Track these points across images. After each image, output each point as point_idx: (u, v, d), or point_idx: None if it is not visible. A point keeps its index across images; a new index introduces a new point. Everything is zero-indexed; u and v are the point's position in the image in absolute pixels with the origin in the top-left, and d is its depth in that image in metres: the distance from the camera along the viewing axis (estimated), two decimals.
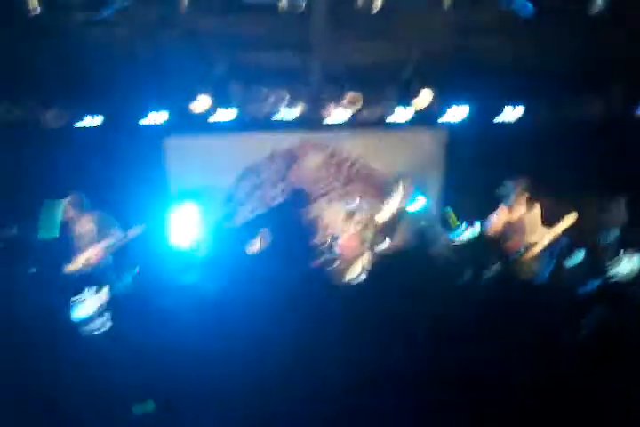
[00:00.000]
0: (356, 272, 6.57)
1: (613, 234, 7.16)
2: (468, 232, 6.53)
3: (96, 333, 3.59)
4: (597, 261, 7.06)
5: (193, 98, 7.71)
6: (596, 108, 8.04)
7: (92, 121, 7.98)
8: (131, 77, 7.31)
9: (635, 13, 6.03)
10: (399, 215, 7.63)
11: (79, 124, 8.00)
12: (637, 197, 7.77)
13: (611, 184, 8.02)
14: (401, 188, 7.46)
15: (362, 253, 7.27)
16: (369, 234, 8.82)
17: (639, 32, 6.76)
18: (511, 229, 6.86)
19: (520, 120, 8.24)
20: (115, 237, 6.95)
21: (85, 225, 7.05)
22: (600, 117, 8.08)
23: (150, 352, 2.79)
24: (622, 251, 5.45)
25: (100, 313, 3.84)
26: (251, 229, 8.16)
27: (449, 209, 7.35)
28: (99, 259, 6.90)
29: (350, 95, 7.88)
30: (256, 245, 7.65)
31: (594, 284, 4.28)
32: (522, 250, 6.57)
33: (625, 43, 7.01)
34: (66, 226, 7.07)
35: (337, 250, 7.67)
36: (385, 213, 7.61)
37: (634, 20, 6.21)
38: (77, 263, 6.81)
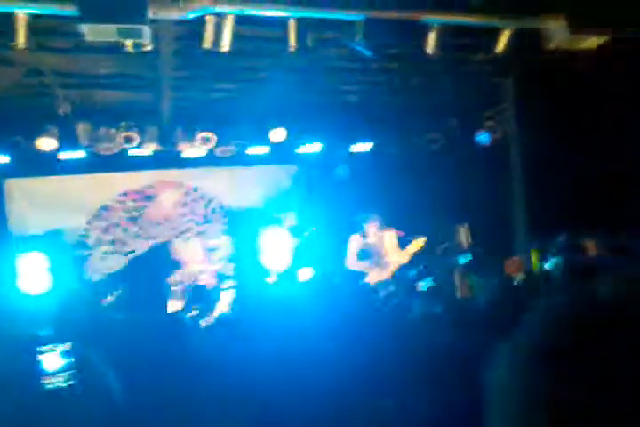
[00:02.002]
0: (220, 309, 6.51)
1: (461, 258, 7.66)
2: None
3: None
4: (445, 284, 7.50)
5: (37, 137, 7.38)
6: (438, 142, 8.63)
7: None
8: None
9: (465, 59, 6.64)
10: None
11: None
12: (479, 223, 8.38)
13: (455, 211, 8.60)
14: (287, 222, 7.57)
15: (225, 290, 7.23)
16: (229, 271, 8.81)
17: (469, 73, 7.40)
18: (366, 255, 7.19)
19: (369, 154, 8.66)
20: None
21: None
22: (442, 150, 8.67)
23: None
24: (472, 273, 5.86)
25: None
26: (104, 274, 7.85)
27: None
28: None
29: (203, 134, 7.90)
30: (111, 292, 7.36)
31: (442, 305, 4.56)
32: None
33: (457, 84, 7.64)
34: None
35: (198, 288, 7.57)
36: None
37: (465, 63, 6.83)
38: None
